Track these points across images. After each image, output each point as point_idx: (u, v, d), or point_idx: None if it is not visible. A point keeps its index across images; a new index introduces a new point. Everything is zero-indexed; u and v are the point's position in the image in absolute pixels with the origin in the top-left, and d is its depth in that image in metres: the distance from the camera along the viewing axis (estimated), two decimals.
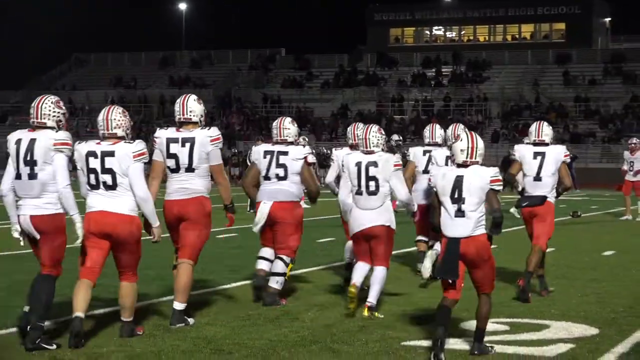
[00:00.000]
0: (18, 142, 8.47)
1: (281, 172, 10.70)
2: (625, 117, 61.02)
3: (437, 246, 11.05)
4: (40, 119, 8.50)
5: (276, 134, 10.75)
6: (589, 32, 73.98)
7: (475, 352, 8.10)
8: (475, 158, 8.20)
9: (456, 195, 8.13)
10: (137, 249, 8.66)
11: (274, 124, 10.85)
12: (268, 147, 10.80)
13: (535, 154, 11.53)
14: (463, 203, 8.11)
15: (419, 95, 69.09)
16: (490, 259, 8.33)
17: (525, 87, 67.23)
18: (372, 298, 9.94)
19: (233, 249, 16.12)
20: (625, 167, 25.21)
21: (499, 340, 8.65)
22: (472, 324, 9.37)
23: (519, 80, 68.60)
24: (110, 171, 8.49)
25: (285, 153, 10.70)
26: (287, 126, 10.79)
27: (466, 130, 9.82)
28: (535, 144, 11.61)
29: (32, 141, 8.41)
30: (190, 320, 9.31)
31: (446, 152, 12.19)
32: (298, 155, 10.70)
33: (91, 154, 8.52)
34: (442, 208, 8.21)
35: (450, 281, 8.19)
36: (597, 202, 35.37)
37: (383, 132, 10.30)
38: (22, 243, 8.56)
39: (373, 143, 10.17)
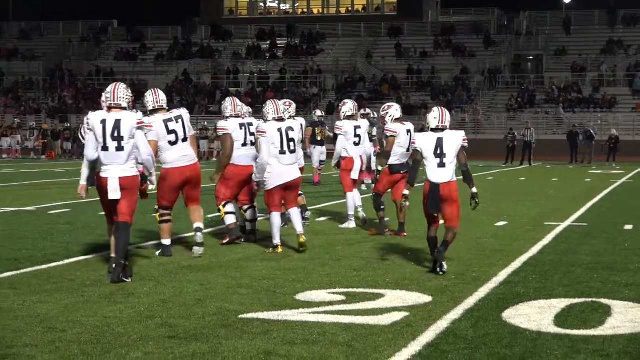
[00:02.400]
0: (103, 121, 10.41)
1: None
2: (455, 89, 62.49)
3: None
4: (117, 101, 10.53)
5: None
6: (419, 5, 75.32)
7: (440, 255, 10.83)
8: (445, 123, 11.00)
9: (439, 152, 10.94)
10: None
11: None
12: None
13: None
14: (445, 157, 10.93)
15: (254, 67, 69.06)
16: (458, 200, 11.13)
17: (358, 59, 68.02)
18: (300, 228, 12.68)
19: (64, 224, 15.76)
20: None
21: (336, 311, 8.73)
22: (307, 295, 9.46)
23: (352, 52, 69.37)
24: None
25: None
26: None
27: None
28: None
29: (118, 121, 10.41)
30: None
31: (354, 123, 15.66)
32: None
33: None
34: (426, 162, 11.01)
35: (434, 215, 11.11)
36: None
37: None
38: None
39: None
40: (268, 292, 9.74)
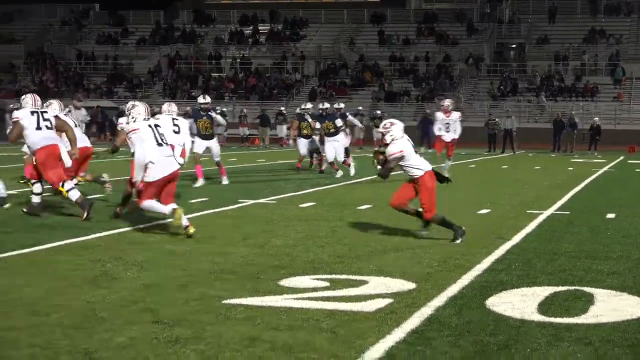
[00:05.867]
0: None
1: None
2: (438, 76, 62.51)
3: None
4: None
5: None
6: None
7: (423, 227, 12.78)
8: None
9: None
10: None
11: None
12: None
13: None
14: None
15: (236, 53, 68.89)
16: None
17: (341, 45, 67.94)
18: (186, 221, 12.81)
19: (47, 208, 15.70)
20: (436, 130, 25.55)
21: (319, 297, 8.72)
22: (291, 281, 9.46)
23: (335, 39, 69.27)
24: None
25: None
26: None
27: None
28: None
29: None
30: None
31: None
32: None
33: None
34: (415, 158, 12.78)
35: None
36: None
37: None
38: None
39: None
40: (252, 277, 9.73)
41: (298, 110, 28.35)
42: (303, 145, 26.89)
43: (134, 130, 13.33)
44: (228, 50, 69.05)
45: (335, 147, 25.50)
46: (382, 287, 9.32)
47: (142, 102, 14.25)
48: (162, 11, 75.92)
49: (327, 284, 9.45)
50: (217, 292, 8.94)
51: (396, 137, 12.91)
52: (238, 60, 67.76)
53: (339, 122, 25.42)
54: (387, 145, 12.91)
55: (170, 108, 18.88)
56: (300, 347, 6.96)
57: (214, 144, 21.57)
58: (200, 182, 20.82)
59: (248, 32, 71.54)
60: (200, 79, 65.38)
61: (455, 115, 25.44)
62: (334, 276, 9.87)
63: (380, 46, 67.59)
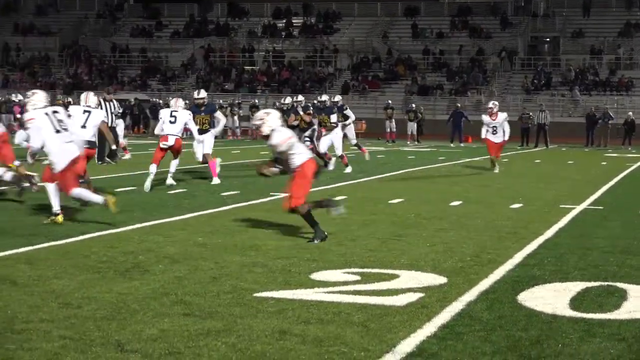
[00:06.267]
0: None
1: None
2: (471, 70, 62.25)
3: None
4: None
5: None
6: None
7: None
8: None
9: None
10: None
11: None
12: None
13: None
14: None
15: (269, 46, 68.91)
16: None
17: (374, 39, 67.79)
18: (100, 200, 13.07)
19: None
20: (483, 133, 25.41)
21: (350, 290, 8.72)
22: (322, 274, 9.45)
23: (368, 32, 69.12)
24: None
25: None
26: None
27: None
28: None
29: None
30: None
31: None
32: None
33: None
34: None
35: None
36: (444, 153, 36.14)
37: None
38: None
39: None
40: (283, 271, 9.74)
41: (279, 105, 28.81)
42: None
43: (31, 119, 13.35)
44: (261, 44, 69.09)
45: (332, 139, 25.27)
46: (413, 281, 9.30)
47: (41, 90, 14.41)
48: (196, 4, 76.03)
49: (358, 277, 9.44)
50: (248, 284, 8.96)
51: (274, 125, 12.07)
52: (270, 53, 67.77)
53: (333, 117, 25.29)
54: (266, 137, 12.08)
55: (177, 103, 19.78)
56: (330, 341, 6.95)
57: (207, 137, 21.51)
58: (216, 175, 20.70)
59: (281, 25, 71.53)
60: (233, 72, 65.47)
61: (502, 116, 25.29)
62: (365, 270, 9.86)
63: (413, 39, 67.38)
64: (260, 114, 12.31)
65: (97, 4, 76.63)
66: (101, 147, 24.19)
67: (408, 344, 6.91)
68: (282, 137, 11.93)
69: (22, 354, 6.45)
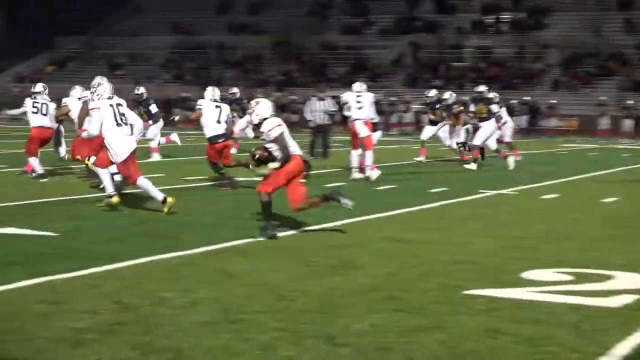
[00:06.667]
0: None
1: None
2: None
3: None
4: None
5: None
6: None
7: None
8: None
9: None
10: None
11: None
12: None
13: None
14: None
15: (477, 42, 68.29)
16: None
17: (586, 33, 66.11)
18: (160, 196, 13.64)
19: None
20: None
21: (564, 291, 8.54)
22: (533, 273, 9.29)
23: (579, 26, 67.45)
24: None
25: None
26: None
27: None
28: None
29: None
30: None
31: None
32: None
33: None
34: None
35: None
36: None
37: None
38: None
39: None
40: (492, 269, 9.64)
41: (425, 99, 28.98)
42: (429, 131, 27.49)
43: (95, 108, 13.89)
44: (469, 40, 68.55)
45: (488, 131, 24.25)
46: (629, 282, 9.02)
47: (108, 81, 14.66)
48: (404, 1, 76.13)
49: (571, 277, 9.23)
50: (457, 282, 8.90)
51: (264, 114, 11.77)
52: (478, 49, 67.12)
53: (494, 108, 24.25)
54: (257, 126, 11.87)
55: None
56: (542, 341, 6.83)
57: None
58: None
59: (490, 21, 70.74)
60: (441, 69, 65.27)
61: None
62: (578, 270, 9.63)
63: (627, 34, 65.31)
64: (251, 103, 12.25)
65: (307, 2, 77.85)
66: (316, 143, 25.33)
67: (624, 347, 6.70)
68: (271, 124, 11.73)
69: (237, 344, 6.63)
